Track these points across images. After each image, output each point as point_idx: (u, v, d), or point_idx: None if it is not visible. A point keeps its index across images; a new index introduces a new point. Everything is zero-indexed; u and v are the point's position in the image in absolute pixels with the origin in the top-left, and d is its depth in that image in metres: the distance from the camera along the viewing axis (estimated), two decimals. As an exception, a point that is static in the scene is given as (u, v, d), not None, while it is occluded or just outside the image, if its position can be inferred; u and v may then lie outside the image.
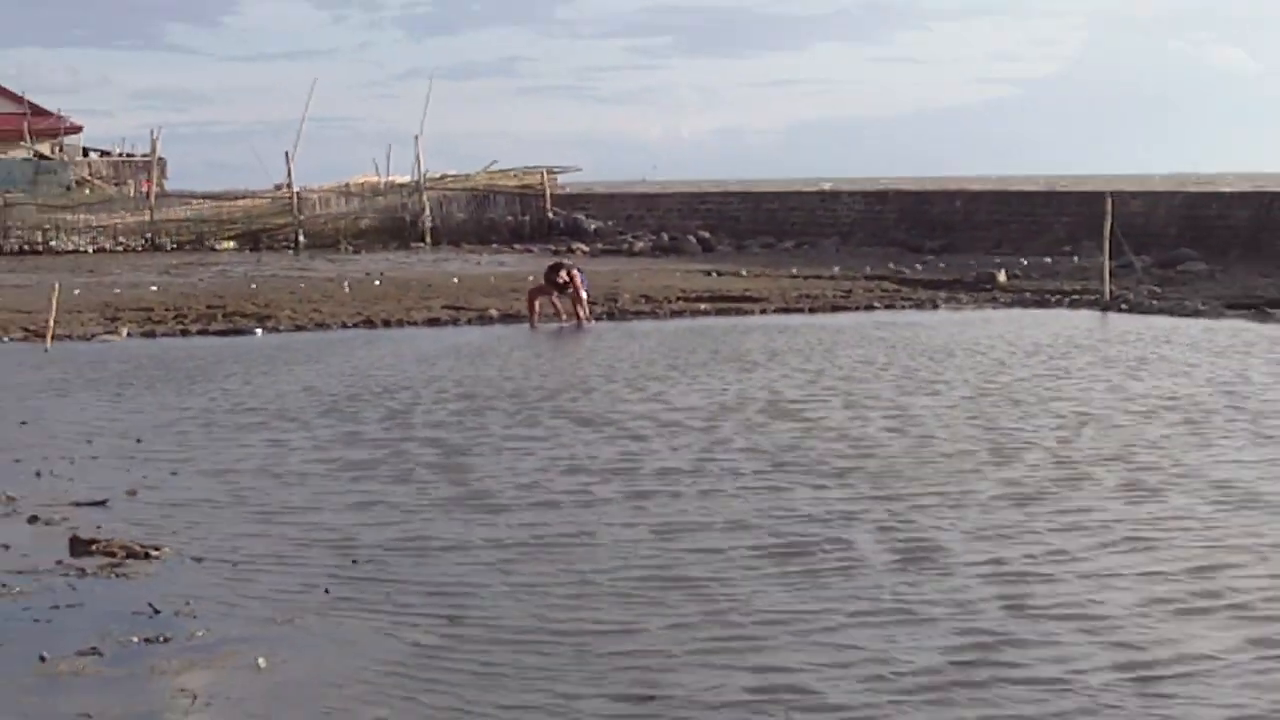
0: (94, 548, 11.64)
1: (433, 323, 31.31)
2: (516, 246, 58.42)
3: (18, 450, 16.23)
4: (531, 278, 35.36)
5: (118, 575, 11.02)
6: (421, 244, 60.61)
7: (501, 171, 65.69)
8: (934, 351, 24.81)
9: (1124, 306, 33.16)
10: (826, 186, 71.85)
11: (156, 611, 9.92)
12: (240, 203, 63.60)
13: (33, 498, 13.67)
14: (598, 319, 31.13)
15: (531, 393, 20.29)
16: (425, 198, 62.66)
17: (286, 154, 63.23)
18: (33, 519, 12.85)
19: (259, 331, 29.70)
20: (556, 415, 18.33)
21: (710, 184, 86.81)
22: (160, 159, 70.50)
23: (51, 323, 27.55)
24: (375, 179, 66.00)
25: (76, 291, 36.16)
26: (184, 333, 29.60)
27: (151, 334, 29.39)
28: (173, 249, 58.94)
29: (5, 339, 28.12)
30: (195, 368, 23.58)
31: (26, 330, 28.73)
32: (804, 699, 8.21)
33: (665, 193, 70.58)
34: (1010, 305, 34.74)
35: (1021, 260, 44.72)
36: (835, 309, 34.16)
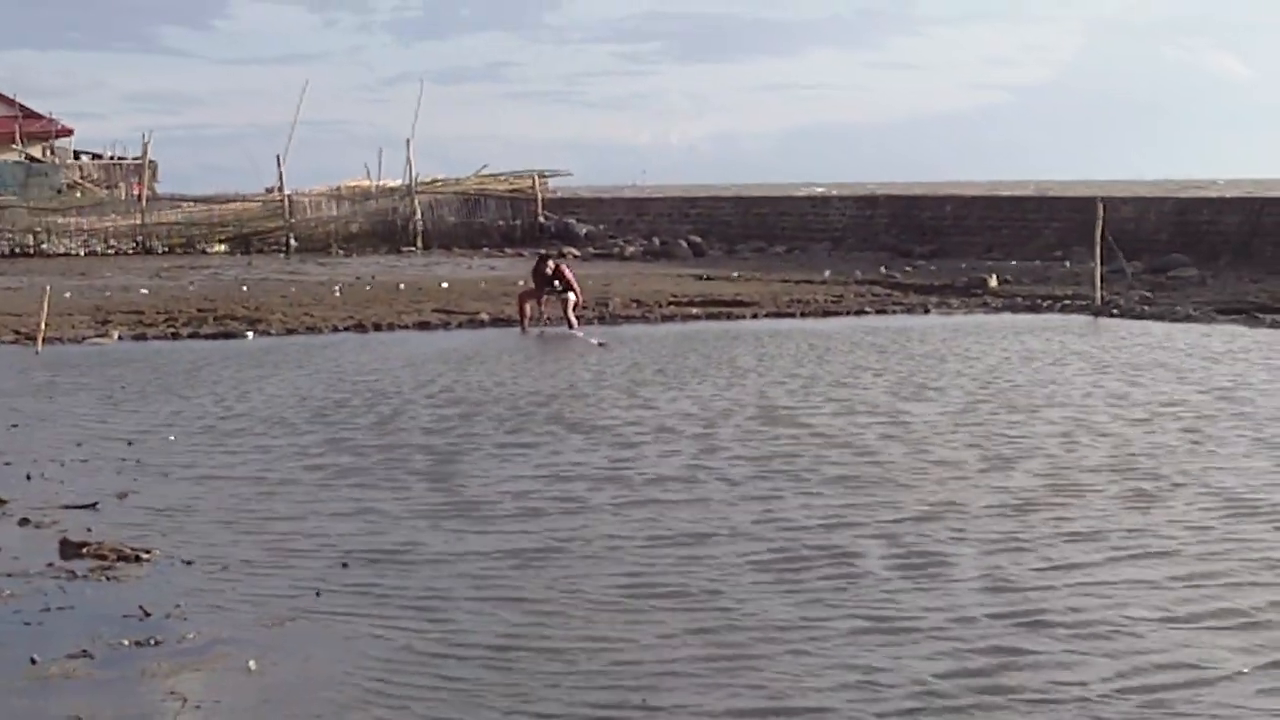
0: (84, 550, 11.64)
1: (423, 326, 31.32)
2: (507, 250, 58.37)
3: (8, 453, 16.22)
4: (521, 282, 35.35)
5: (108, 578, 11.01)
6: (412, 248, 60.57)
7: (492, 175, 65.63)
8: (927, 357, 24.82)
9: (1115, 312, 33.19)
10: (818, 191, 71.83)
11: (147, 614, 9.91)
12: (231, 206, 63.45)
13: (23, 500, 13.66)
14: (588, 323, 31.09)
15: (522, 398, 20.27)
16: (416, 201, 62.59)
17: (278, 157, 63.19)
18: (23, 522, 12.84)
19: (250, 335, 29.67)
20: (547, 421, 18.30)
21: (701, 189, 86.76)
22: (151, 162, 70.42)
23: (42, 325, 27.52)
24: (366, 182, 65.89)
25: (67, 294, 36.11)
26: (175, 336, 29.57)
27: (142, 337, 29.36)
28: (164, 252, 58.82)
29: (-4, 342, 28.08)
30: (186, 371, 23.57)
31: (17, 333, 28.71)
32: (800, 717, 8.11)
33: (656, 197, 70.61)
34: (1001, 310, 34.78)
35: (1012, 265, 44.80)
36: (826, 314, 34.19)
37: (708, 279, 42.44)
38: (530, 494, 13.91)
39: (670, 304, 35.03)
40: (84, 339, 28.66)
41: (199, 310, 33.17)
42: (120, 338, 29.10)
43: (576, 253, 54.47)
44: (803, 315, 33.81)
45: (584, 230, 60.77)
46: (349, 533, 12.39)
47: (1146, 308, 33.58)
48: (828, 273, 43.92)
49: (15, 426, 18.15)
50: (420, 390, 21.09)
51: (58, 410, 19.54)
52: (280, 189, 62.86)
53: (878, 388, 20.98)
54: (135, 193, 64.57)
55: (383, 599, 10.38)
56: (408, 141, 63.97)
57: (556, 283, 30.90)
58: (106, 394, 20.97)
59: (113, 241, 59.52)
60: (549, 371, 23.55)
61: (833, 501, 13.45)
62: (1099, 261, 35.07)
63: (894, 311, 34.51)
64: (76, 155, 78.05)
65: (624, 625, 9.71)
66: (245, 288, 39.97)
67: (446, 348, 27.03)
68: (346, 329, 30.66)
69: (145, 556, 11.53)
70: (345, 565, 11.31)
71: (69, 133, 79.45)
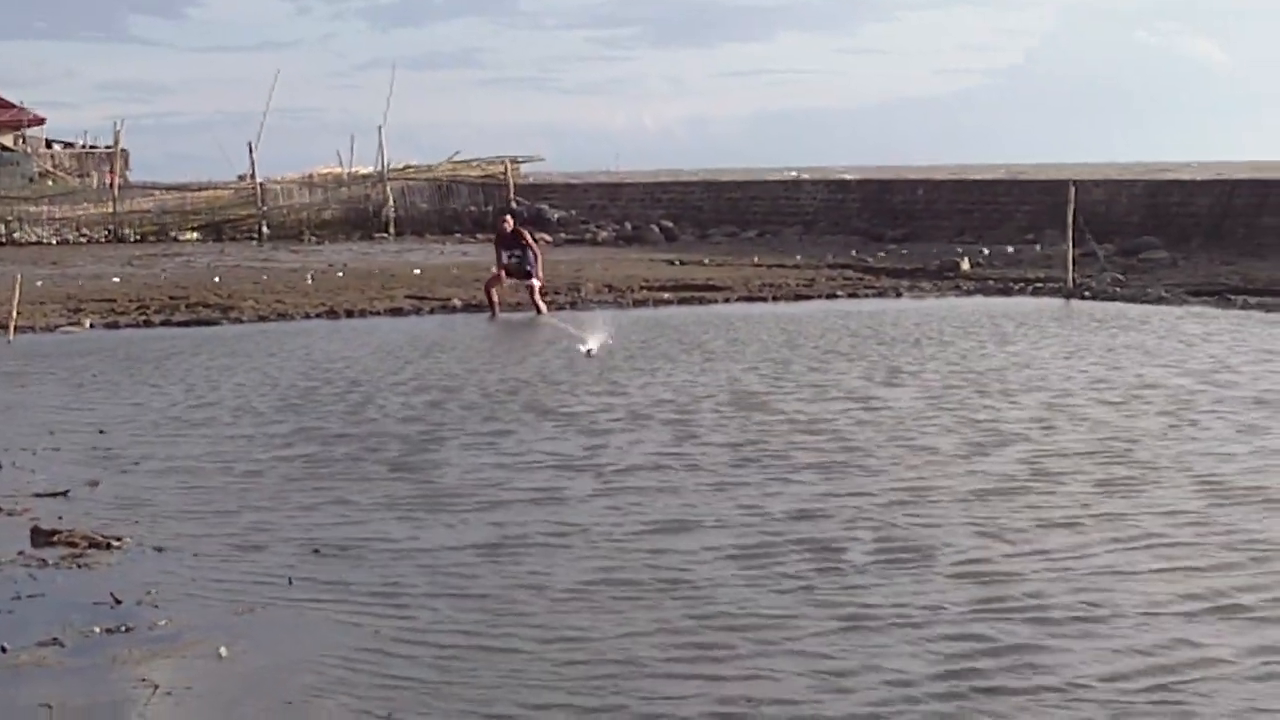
0: (55, 538, 11.64)
1: (395, 313, 31.33)
2: (479, 236, 58.19)
3: (-21, 442, 16.20)
4: (493, 269, 35.24)
5: (79, 566, 11.01)
6: (385, 234, 60.50)
7: (464, 162, 65.61)
8: (900, 341, 24.84)
9: (1087, 294, 33.31)
10: (790, 175, 71.82)
11: (118, 602, 9.91)
12: (203, 194, 63.28)
13: (-6, 489, 13.65)
14: (559, 309, 31.09)
15: (493, 385, 20.26)
16: (388, 188, 62.54)
17: (249, 145, 62.98)
18: (-6, 510, 12.83)
19: (223, 322, 29.63)
20: (518, 408, 18.29)
21: (672, 174, 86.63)
22: (123, 151, 70.34)
23: (14, 314, 27.47)
24: (338, 170, 65.81)
25: (39, 283, 36.02)
26: (147, 324, 29.54)
27: (115, 325, 29.32)
28: (136, 240, 58.63)
29: (-34, 331, 28.01)
30: (158, 359, 23.54)
31: (-12, 322, 28.63)
32: (778, 711, 7.95)
33: (628, 182, 70.51)
34: (973, 293, 34.87)
35: (984, 249, 44.87)
36: (798, 298, 34.25)
37: (680, 264, 42.45)
38: (501, 483, 13.83)
39: (642, 289, 35.06)
40: (56, 328, 28.62)
41: (171, 298, 33.12)
42: (92, 326, 29.07)
43: (549, 238, 54.45)
44: (775, 299, 33.87)
45: (556, 216, 60.70)
46: (320, 521, 12.37)
47: (1119, 290, 33.70)
48: (799, 257, 43.96)
49: (-14, 416, 18.13)
50: (392, 377, 21.07)
51: (29, 399, 19.51)
52: (252, 176, 62.72)
53: (851, 372, 20.97)
54: (107, 181, 64.38)
55: (354, 587, 10.37)
56: (380, 128, 63.91)
57: (517, 251, 30.85)
58: (78, 383, 20.94)
59: (85, 230, 59.33)
60: (520, 357, 23.53)
61: (807, 489, 13.34)
62: (1071, 244, 35.15)
63: (866, 295, 34.57)
64: (48, 144, 77.95)
65: (590, 617, 9.66)
66: (218, 275, 39.87)
67: (418, 334, 27.02)
68: (319, 316, 30.65)
69: (116, 544, 11.53)
70: (317, 551, 11.32)
71: (40, 121, 79.26)
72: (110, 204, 60.54)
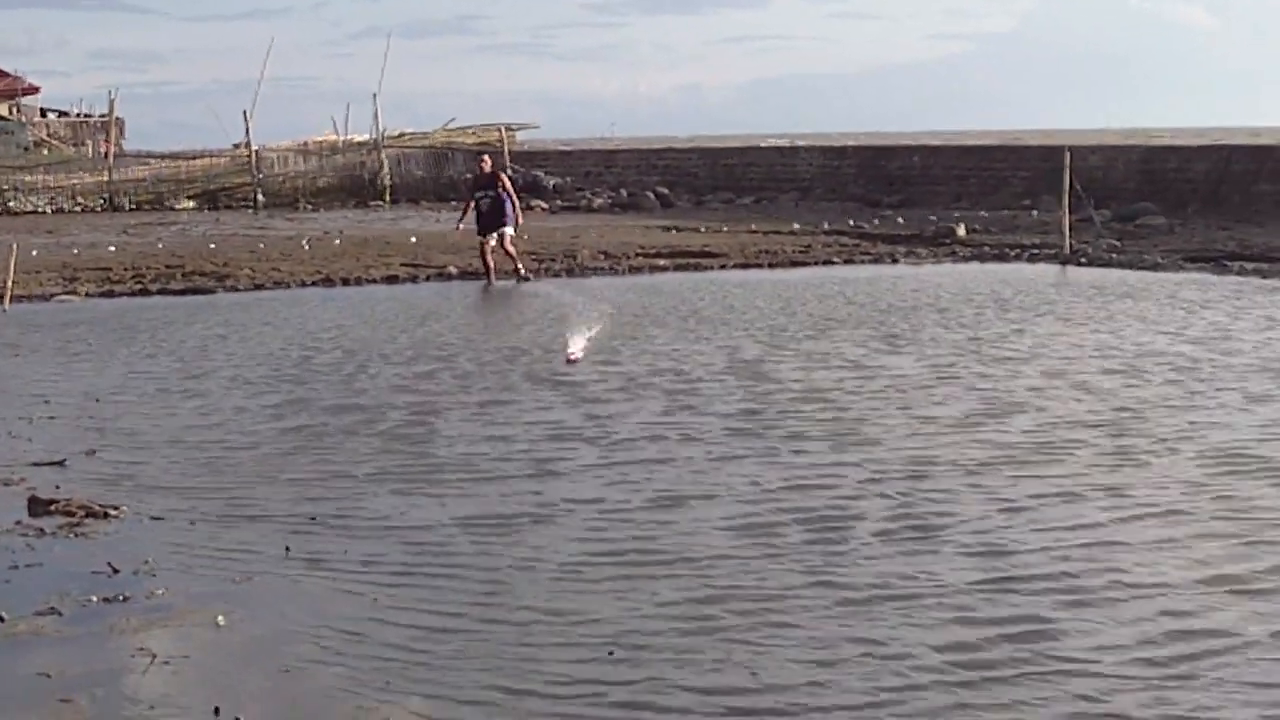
0: (52, 508, 11.63)
1: (391, 280, 31.26)
2: (475, 204, 58.19)
3: (-25, 412, 16.19)
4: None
5: (76, 535, 11.01)
6: (380, 202, 60.45)
7: (460, 129, 65.49)
8: (898, 308, 24.79)
9: (1084, 260, 33.25)
10: (785, 142, 71.73)
11: (115, 571, 9.91)
12: (199, 162, 63.16)
13: (-10, 459, 13.64)
14: (555, 276, 31.00)
15: (489, 354, 20.23)
16: (384, 155, 62.47)
17: (245, 113, 62.81)
18: (-10, 480, 12.83)
19: (218, 290, 29.59)
20: (514, 378, 18.27)
21: (668, 140, 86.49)
22: (118, 119, 70.18)
23: (10, 283, 27.44)
24: (334, 137, 65.73)
25: (35, 252, 35.92)
26: (143, 292, 29.47)
27: (110, 294, 29.24)
28: (131, 209, 58.50)
29: (-38, 300, 27.99)
30: (154, 327, 23.51)
31: (-16, 291, 28.61)
32: (786, 696, 7.85)
33: (623, 149, 70.49)
34: (970, 259, 34.79)
35: (980, 214, 44.83)
36: (794, 264, 34.18)
37: (676, 230, 42.33)
38: (498, 455, 13.79)
39: (638, 255, 34.97)
40: (52, 296, 28.57)
41: (167, 266, 33.03)
42: (88, 295, 28.99)
43: (545, 205, 54.39)
44: (771, 266, 33.79)
45: (551, 183, 60.63)
46: (318, 492, 12.37)
47: (1115, 256, 33.63)
48: (795, 224, 43.84)
49: (-18, 385, 18.11)
50: (387, 346, 21.03)
51: (25, 368, 19.49)
52: (248, 145, 62.59)
53: (849, 340, 20.94)
54: (103, 150, 64.28)
55: (350, 558, 10.37)
56: (375, 96, 63.80)
57: (491, 192, 30.63)
58: (75, 351, 20.91)
59: (80, 199, 59.21)
60: (516, 324, 23.50)
61: (809, 460, 13.26)
62: (1067, 210, 35.07)
63: (862, 261, 34.49)
64: (43, 113, 77.87)
65: (589, 590, 9.65)
66: (213, 244, 39.77)
67: (414, 301, 26.96)
68: (315, 284, 30.57)
69: (114, 513, 11.53)
70: (314, 519, 11.32)
71: (35, 90, 79.24)
72: (106, 173, 60.42)
